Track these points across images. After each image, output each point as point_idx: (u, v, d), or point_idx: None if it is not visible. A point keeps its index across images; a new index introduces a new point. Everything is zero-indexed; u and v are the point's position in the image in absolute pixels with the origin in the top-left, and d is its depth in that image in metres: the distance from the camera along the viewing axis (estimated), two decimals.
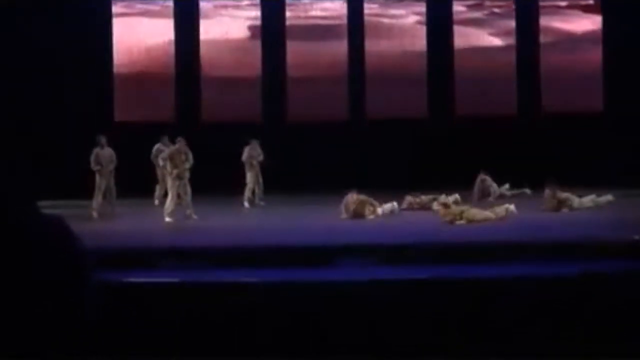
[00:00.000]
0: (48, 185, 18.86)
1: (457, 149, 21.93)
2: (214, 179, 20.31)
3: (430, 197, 18.42)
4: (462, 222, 16.64)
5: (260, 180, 20.20)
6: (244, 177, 20.17)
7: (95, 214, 18.14)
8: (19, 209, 2.82)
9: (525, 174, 19.91)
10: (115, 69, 23.24)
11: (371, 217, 17.57)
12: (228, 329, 5.37)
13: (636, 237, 13.74)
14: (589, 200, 18.26)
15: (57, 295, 2.71)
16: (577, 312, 5.41)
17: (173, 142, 18.61)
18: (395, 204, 18.07)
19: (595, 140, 22.01)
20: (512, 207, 17.22)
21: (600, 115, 22.94)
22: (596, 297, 5.48)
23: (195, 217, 17.64)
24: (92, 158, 18.53)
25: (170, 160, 17.85)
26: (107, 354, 4.10)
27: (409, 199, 18.70)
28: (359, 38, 23.34)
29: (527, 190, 19.93)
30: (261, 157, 20.23)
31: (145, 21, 23.53)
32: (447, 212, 16.97)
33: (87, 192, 18.88)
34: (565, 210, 17.81)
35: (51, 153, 21.23)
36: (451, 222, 16.72)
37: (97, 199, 18.47)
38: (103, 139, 18.71)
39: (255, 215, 18.12)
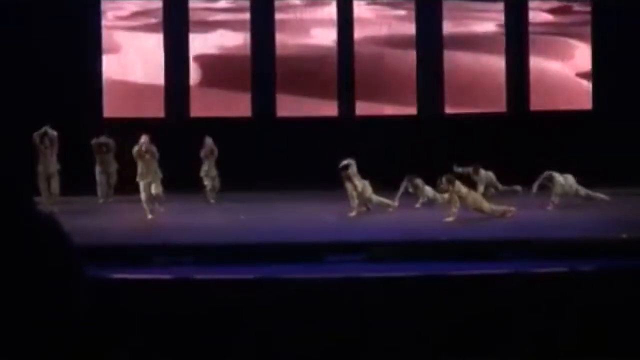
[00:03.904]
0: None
1: (448, 146, 21.89)
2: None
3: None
4: (458, 204, 16.34)
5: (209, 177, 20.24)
6: (230, 173, 20.11)
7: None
8: (13, 205, 2.81)
9: (515, 172, 19.83)
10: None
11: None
12: (218, 325, 5.36)
13: (624, 235, 13.76)
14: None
15: (49, 291, 2.70)
16: (566, 309, 5.42)
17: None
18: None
19: (585, 138, 22.04)
20: (513, 209, 16.93)
21: (589, 114, 22.98)
22: (585, 295, 5.49)
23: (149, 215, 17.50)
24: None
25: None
26: (98, 349, 4.08)
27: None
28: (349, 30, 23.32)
29: (518, 188, 19.74)
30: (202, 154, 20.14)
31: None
32: (454, 190, 16.52)
33: (79, 187, 18.94)
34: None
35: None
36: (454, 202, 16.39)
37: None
38: (38, 139, 18.69)
39: (244, 213, 18.06)
